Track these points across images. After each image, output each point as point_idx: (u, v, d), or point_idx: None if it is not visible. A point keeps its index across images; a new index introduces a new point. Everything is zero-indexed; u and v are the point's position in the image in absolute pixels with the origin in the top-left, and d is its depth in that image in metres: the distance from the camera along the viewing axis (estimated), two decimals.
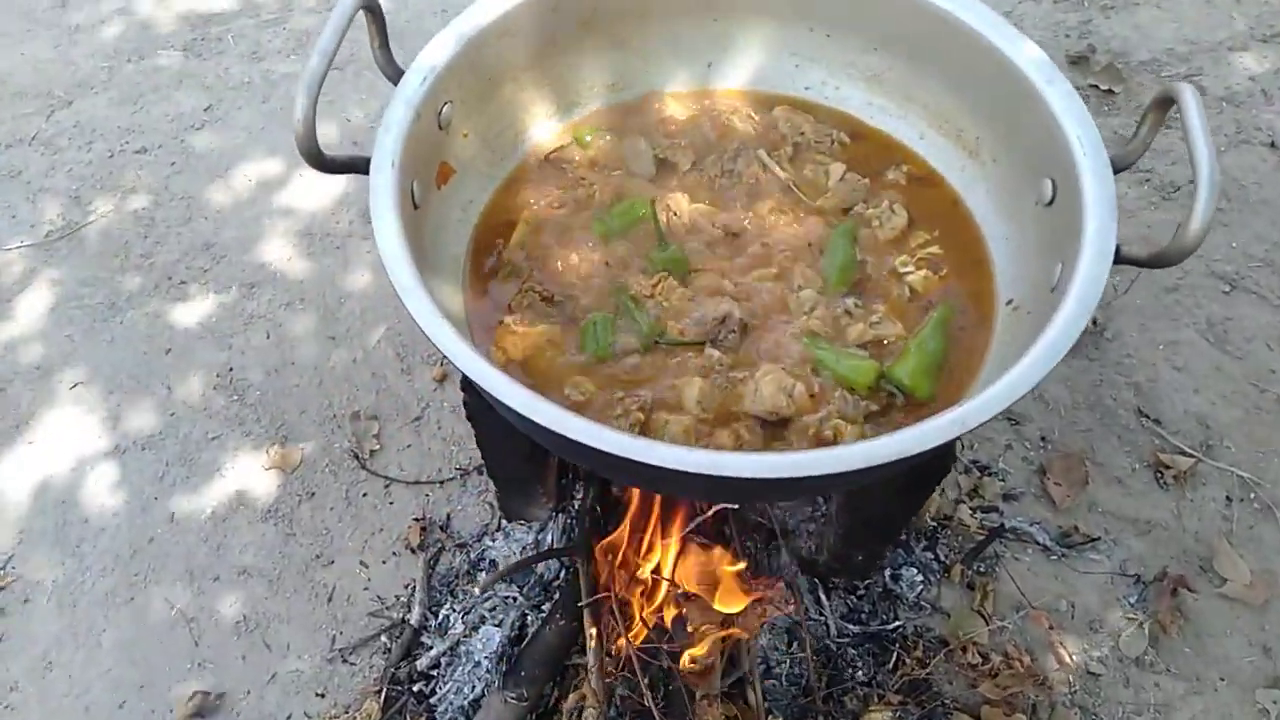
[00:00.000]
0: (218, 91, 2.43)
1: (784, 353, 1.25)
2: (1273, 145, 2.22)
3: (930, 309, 1.30)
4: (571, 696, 1.46)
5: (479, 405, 1.37)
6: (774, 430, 1.20)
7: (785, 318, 1.29)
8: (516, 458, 1.48)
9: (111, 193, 2.24)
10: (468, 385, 1.37)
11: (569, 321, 1.30)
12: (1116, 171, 1.18)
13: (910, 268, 1.34)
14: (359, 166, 1.19)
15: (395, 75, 1.27)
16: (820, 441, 1.18)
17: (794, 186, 1.43)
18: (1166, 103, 1.15)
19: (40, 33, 2.60)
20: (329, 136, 2.33)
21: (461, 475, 1.81)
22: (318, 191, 2.21)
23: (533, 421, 0.97)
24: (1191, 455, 1.79)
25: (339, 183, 2.23)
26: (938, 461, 1.31)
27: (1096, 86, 2.35)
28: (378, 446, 1.85)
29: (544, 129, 1.49)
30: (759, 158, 1.45)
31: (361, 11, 1.20)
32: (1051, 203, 1.23)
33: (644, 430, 1.18)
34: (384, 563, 1.72)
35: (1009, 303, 1.29)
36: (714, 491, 1.29)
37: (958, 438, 0.97)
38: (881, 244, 1.37)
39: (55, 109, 2.40)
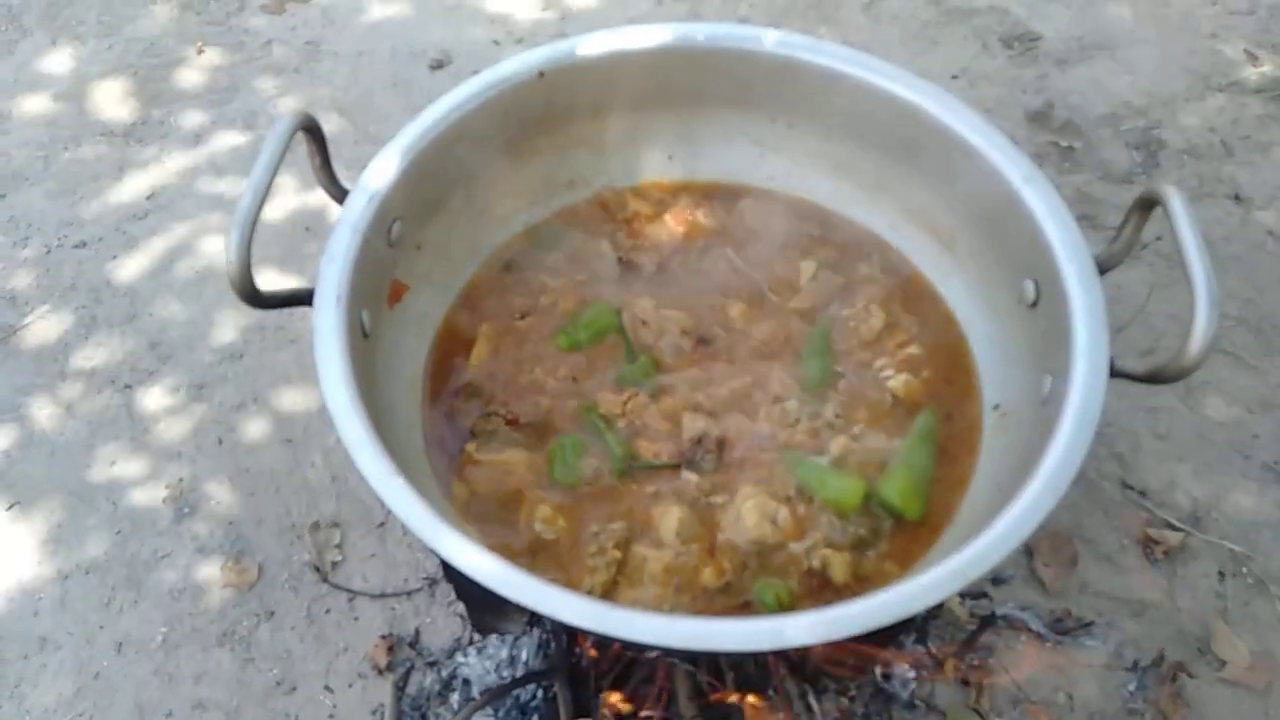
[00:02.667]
0: (161, 178, 2.34)
1: (765, 473, 1.19)
2: (1237, 198, 2.21)
3: (914, 414, 1.25)
4: None
5: None
6: (758, 559, 1.13)
7: (764, 432, 1.23)
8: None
9: (49, 291, 2.14)
10: None
11: (536, 445, 1.23)
12: (1102, 273, 1.13)
13: (890, 371, 1.29)
14: (302, 299, 1.12)
15: (339, 195, 1.20)
16: (808, 573, 1.12)
17: (764, 287, 1.37)
18: (1150, 204, 1.11)
19: None
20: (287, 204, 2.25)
21: (429, 585, 1.72)
22: (271, 281, 2.12)
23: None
24: (1180, 529, 1.75)
25: (292, 271, 2.14)
26: None
27: (1056, 143, 2.33)
28: (340, 557, 1.75)
29: (501, 234, 1.42)
30: (727, 257, 1.40)
31: (300, 132, 1.13)
32: (1035, 304, 1.19)
33: (621, 570, 1.11)
34: (350, 686, 1.62)
35: (996, 408, 1.23)
36: (701, 653, 1.23)
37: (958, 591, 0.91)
38: (859, 346, 1.31)
39: None
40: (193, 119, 2.48)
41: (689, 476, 1.18)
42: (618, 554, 1.11)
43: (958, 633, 1.65)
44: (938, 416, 1.24)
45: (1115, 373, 1.05)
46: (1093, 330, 1.07)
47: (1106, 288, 1.11)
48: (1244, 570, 1.71)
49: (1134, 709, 1.58)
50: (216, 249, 2.18)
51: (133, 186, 2.33)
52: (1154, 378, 1.02)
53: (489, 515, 1.16)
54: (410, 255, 1.29)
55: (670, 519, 1.14)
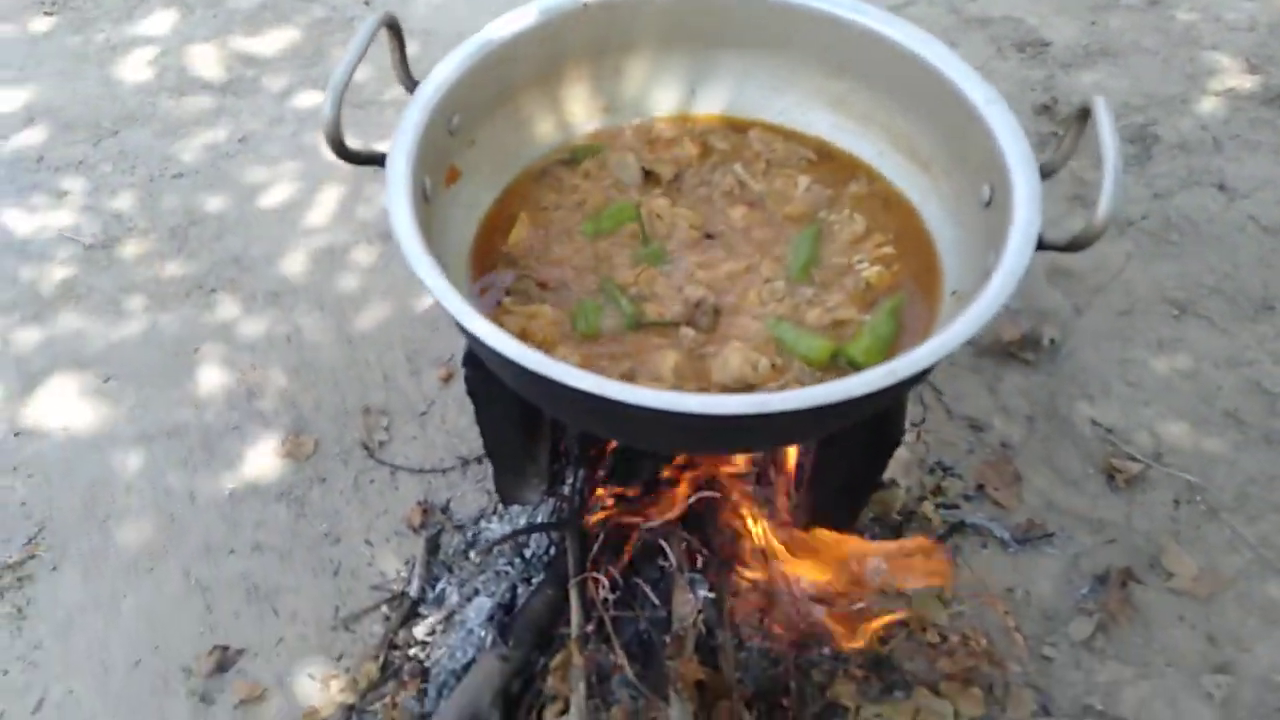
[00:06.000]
0: (250, 126, 2.65)
1: (750, 333, 1.41)
2: (1221, 187, 2.39)
3: (883, 298, 1.46)
4: (558, 656, 1.57)
5: (478, 378, 1.52)
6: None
7: (753, 304, 1.45)
8: (512, 428, 1.62)
9: (150, 212, 2.44)
10: (469, 360, 1.53)
11: (560, 304, 1.46)
12: (1045, 176, 1.35)
13: (866, 264, 1.50)
14: (378, 160, 1.37)
15: (412, 86, 1.46)
16: None
17: (764, 196, 1.60)
18: (1085, 114, 1.32)
19: (90, 71, 2.84)
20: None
21: (462, 465, 1.95)
22: (339, 215, 2.40)
23: (520, 366, 1.12)
24: (1141, 461, 1.92)
25: (358, 209, 2.42)
26: (890, 427, 1.46)
27: (1057, 134, 2.52)
28: (386, 438, 2.00)
29: (543, 144, 1.67)
30: (734, 171, 1.63)
31: (383, 29, 1.40)
32: (989, 204, 1.40)
33: None
34: (387, 541, 1.85)
35: (953, 293, 1.44)
36: (686, 438, 1.44)
37: (895, 385, 1.12)
38: (841, 244, 1.53)
39: (102, 138, 2.62)
40: (280, 80, 2.79)
41: (687, 332, 1.41)
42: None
43: (930, 535, 1.84)
44: (903, 299, 1.45)
45: (1042, 245, 1.26)
46: (1029, 213, 1.27)
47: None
48: (1198, 499, 1.87)
49: (1085, 609, 1.74)
50: (295, 186, 2.47)
51: (225, 131, 2.64)
52: (1072, 245, 1.22)
53: None
54: (465, 147, 1.53)
55: (668, 360, 1.36)
